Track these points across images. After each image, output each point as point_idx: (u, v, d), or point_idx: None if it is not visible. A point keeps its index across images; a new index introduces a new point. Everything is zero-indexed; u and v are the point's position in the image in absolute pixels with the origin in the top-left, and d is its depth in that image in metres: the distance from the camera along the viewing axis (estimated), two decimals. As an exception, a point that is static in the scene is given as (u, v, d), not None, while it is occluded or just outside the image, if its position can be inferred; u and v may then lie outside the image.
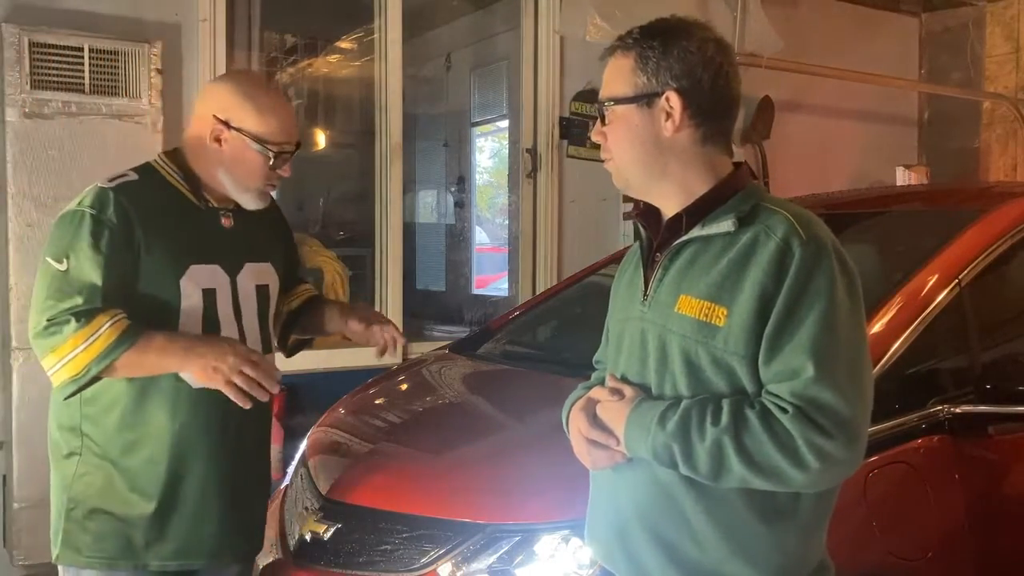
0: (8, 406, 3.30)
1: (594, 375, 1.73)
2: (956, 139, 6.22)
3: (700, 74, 1.46)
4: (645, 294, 1.52)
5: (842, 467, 1.37)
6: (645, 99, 1.47)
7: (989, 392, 2.23)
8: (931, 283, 2.30)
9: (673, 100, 1.45)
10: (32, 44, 3.28)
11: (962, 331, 2.35)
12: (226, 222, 1.98)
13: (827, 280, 1.36)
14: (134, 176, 1.91)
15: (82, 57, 3.35)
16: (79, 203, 1.84)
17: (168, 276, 1.86)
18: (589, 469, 1.60)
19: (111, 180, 1.88)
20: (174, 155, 1.97)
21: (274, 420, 3.60)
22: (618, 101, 1.49)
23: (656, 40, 1.47)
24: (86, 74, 3.36)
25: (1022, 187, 3.88)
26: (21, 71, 3.26)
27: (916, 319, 2.22)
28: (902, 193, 4.03)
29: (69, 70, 3.34)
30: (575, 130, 4.73)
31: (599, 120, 1.53)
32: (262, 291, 2.02)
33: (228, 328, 1.93)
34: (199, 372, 1.80)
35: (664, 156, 1.48)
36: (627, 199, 4.80)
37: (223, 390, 1.79)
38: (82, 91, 3.35)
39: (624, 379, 1.55)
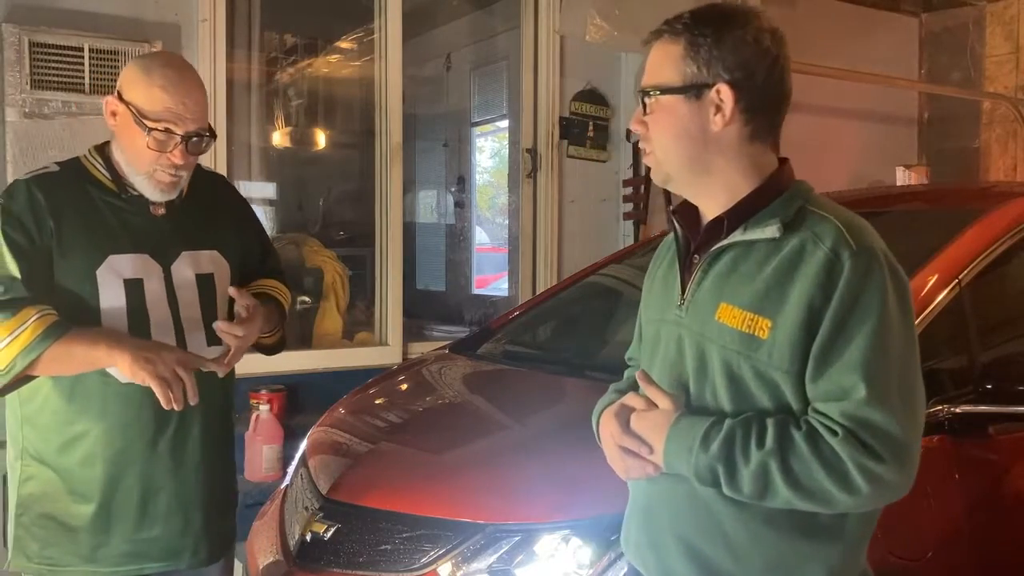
0: (5, 405, 3.29)
1: (626, 373, 1.66)
2: (956, 139, 6.22)
3: (754, 66, 1.37)
4: (682, 298, 1.44)
5: (894, 490, 1.31)
6: (694, 90, 1.37)
7: (989, 392, 2.23)
8: (931, 283, 2.30)
9: (724, 93, 1.37)
10: (32, 44, 3.28)
11: (962, 331, 2.34)
12: (156, 210, 1.88)
13: (879, 294, 1.29)
14: (55, 168, 1.88)
15: (82, 57, 3.35)
16: None
17: (83, 266, 1.79)
18: (622, 478, 1.53)
19: (29, 172, 1.87)
20: (102, 147, 1.91)
21: (274, 420, 3.66)
22: (664, 91, 1.39)
23: (709, 27, 1.37)
24: (86, 74, 3.36)
25: (1022, 187, 3.87)
26: (21, 71, 3.27)
27: (916, 319, 2.22)
28: (902, 193, 4.03)
29: (69, 70, 3.34)
30: (575, 130, 4.73)
31: (639, 108, 1.43)
32: (205, 280, 1.91)
33: (160, 319, 1.84)
34: (129, 361, 1.69)
35: (709, 151, 1.40)
36: (627, 199, 4.81)
37: (148, 382, 1.69)
38: (82, 91, 3.35)
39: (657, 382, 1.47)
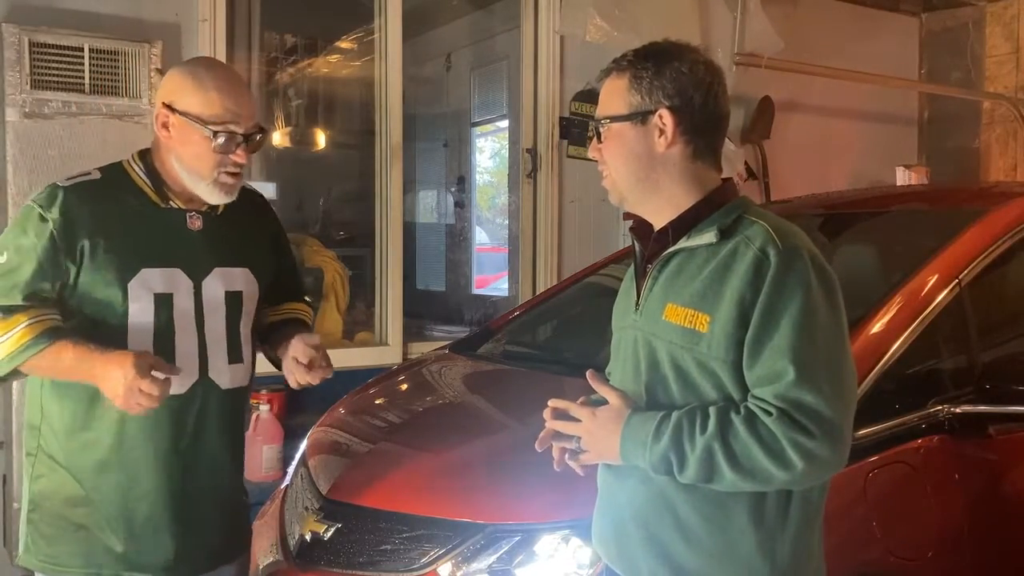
0: (8, 406, 3.30)
1: None
2: (956, 139, 6.22)
3: (691, 93, 1.53)
4: (637, 303, 1.59)
5: (826, 465, 1.43)
6: (639, 116, 1.54)
7: (989, 392, 2.23)
8: (931, 283, 2.30)
9: (666, 117, 1.53)
10: (32, 44, 3.28)
11: (962, 331, 2.35)
12: (194, 224, 1.88)
13: (802, 285, 1.42)
14: (96, 176, 1.87)
15: (82, 57, 3.35)
16: (34, 198, 1.82)
17: (115, 278, 1.79)
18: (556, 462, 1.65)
19: (70, 178, 1.85)
20: (144, 153, 1.90)
21: (274, 420, 3.66)
22: (614, 119, 1.57)
23: (649, 61, 1.55)
24: (86, 74, 3.35)
25: (1022, 187, 3.88)
26: (21, 71, 3.27)
27: (916, 319, 2.22)
28: (902, 193, 4.03)
29: (69, 70, 3.34)
30: (575, 130, 4.72)
31: (595, 138, 1.60)
32: (233, 298, 1.92)
33: (186, 335, 1.85)
34: (109, 388, 1.71)
35: (656, 171, 1.55)
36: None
37: (135, 412, 1.73)
38: (82, 91, 3.35)
39: (620, 384, 1.60)
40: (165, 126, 1.83)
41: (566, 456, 1.62)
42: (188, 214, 1.88)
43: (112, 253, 1.80)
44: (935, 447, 2.16)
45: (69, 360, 1.74)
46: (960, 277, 2.32)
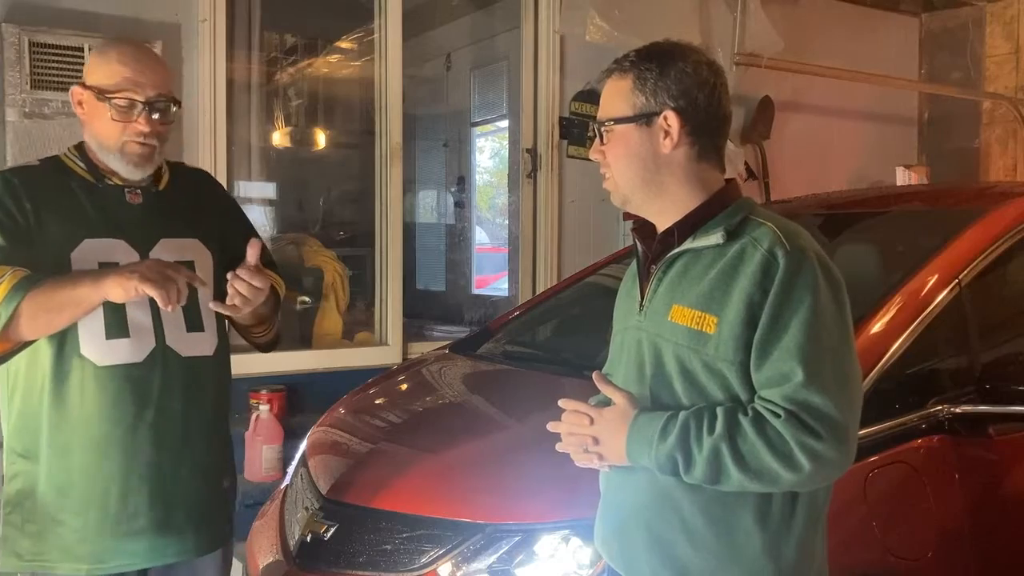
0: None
1: None
2: (956, 139, 6.22)
3: (696, 94, 1.52)
4: (641, 305, 1.58)
5: (834, 467, 1.42)
6: (644, 118, 1.53)
7: (989, 392, 2.23)
8: (931, 283, 2.30)
9: (671, 119, 1.51)
10: (32, 44, 3.29)
11: (962, 331, 2.35)
12: (133, 198, 1.91)
13: (810, 287, 1.42)
14: (35, 163, 1.95)
15: (82, 57, 3.35)
16: None
17: (58, 250, 1.82)
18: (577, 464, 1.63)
19: (9, 167, 1.94)
20: (80, 144, 1.97)
21: (274, 420, 3.67)
22: (618, 121, 1.55)
23: (653, 62, 1.53)
24: (86, 74, 3.36)
25: (1022, 187, 3.87)
26: (21, 71, 3.27)
27: (916, 319, 2.22)
28: (902, 193, 4.03)
29: (69, 70, 3.34)
30: (575, 130, 4.73)
31: (597, 139, 1.59)
32: (185, 267, 1.89)
33: (136, 304, 1.83)
34: (115, 284, 1.71)
35: (661, 172, 1.54)
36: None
37: (143, 289, 1.68)
38: (82, 91, 3.35)
39: (623, 386, 1.58)
40: (80, 103, 1.91)
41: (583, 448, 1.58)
42: (126, 189, 1.92)
43: (54, 225, 1.84)
44: (935, 447, 2.16)
45: (67, 287, 1.74)
46: (960, 277, 2.32)
